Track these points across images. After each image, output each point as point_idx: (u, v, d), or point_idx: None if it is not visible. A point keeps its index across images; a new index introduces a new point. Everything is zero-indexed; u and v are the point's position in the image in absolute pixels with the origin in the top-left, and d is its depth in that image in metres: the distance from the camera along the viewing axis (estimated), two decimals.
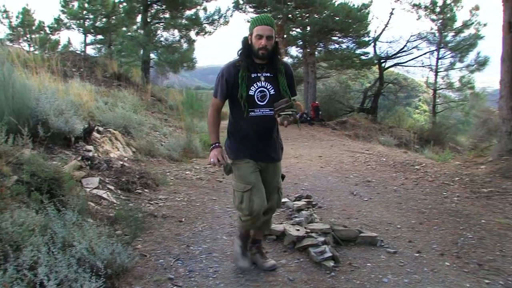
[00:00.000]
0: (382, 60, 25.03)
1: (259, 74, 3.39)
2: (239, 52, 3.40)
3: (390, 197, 6.61)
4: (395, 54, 24.96)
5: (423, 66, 24.84)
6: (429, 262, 4.07)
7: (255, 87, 3.38)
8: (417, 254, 4.24)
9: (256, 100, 3.38)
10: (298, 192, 6.26)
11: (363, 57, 23.78)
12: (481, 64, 23.30)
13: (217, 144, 3.52)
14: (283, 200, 5.67)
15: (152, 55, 21.27)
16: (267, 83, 3.39)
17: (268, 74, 3.42)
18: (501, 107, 9.36)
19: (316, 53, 23.68)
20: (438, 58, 24.49)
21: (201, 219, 5.01)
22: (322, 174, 8.19)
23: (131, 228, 4.24)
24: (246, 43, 3.36)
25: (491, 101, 18.71)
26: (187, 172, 7.38)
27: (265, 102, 3.40)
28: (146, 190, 5.92)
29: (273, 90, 3.41)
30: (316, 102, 21.08)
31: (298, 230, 4.35)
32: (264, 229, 3.90)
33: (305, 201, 5.61)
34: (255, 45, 3.28)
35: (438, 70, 24.66)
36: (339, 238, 4.40)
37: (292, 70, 3.67)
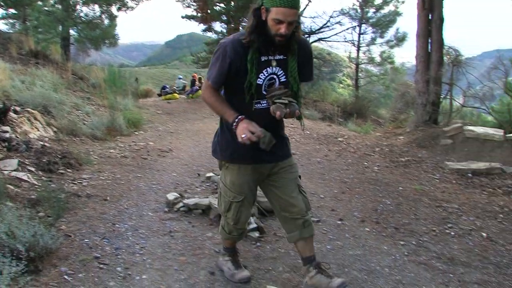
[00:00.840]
0: (306, 35, 25.36)
1: (270, 57, 2.65)
2: (250, 28, 2.55)
3: (313, 168, 6.84)
4: (318, 29, 25.31)
5: (345, 41, 25.47)
6: (350, 229, 4.30)
7: (264, 74, 2.65)
8: (339, 222, 4.47)
9: (263, 89, 2.67)
10: None
11: None
12: (400, 39, 24.31)
13: (239, 117, 2.60)
14: (208, 174, 5.72)
15: (71, 32, 20.17)
16: (278, 68, 2.68)
17: (281, 57, 2.68)
18: (417, 81, 9.93)
19: (240, 28, 23.57)
20: (360, 34, 25.26)
21: (126, 197, 4.92)
22: None
23: (54, 209, 4.08)
24: (259, 17, 2.52)
25: (409, 75, 19.65)
26: (111, 151, 7.18)
27: None
28: (69, 170, 5.70)
29: (284, 76, 2.71)
30: None
31: None
32: (304, 234, 2.94)
33: None
34: (271, 27, 2.48)
35: (360, 45, 25.48)
36: (264, 209, 4.51)
37: (311, 47, 2.92)
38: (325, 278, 2.86)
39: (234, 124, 2.59)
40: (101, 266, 3.33)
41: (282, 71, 2.69)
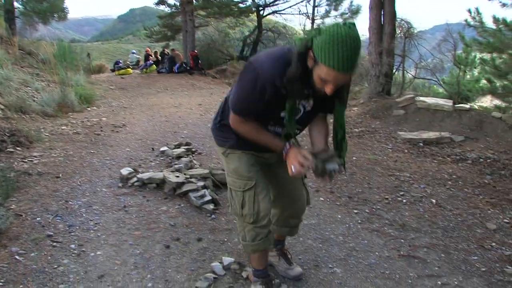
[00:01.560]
0: (260, 8, 25.00)
1: (305, 105, 2.28)
2: (293, 77, 2.01)
3: None
4: (272, 2, 24.99)
5: (300, 14, 25.20)
6: None
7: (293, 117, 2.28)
8: None
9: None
10: (178, 140, 6.20)
11: (241, 5, 23.56)
12: (354, 12, 24.18)
13: (289, 144, 2.26)
14: (162, 148, 5.62)
15: (16, 4, 19.00)
16: (307, 103, 2.29)
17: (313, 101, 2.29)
18: (370, 53, 10.00)
19: (194, 1, 22.98)
20: (314, 6, 25.06)
21: (79, 174, 4.76)
22: (202, 122, 8.17)
23: (2, 188, 3.90)
24: (304, 63, 2.00)
25: (363, 47, 19.80)
26: (63, 127, 6.90)
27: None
28: (18, 148, 5.45)
29: (310, 106, 2.30)
30: (195, 51, 20.64)
31: (177, 176, 4.33)
32: (292, 234, 2.90)
33: (184, 148, 5.58)
34: (315, 81, 1.99)
35: (315, 18, 25.31)
36: (219, 181, 4.46)
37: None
38: (285, 263, 2.90)
39: (284, 153, 2.26)
40: (54, 244, 3.22)
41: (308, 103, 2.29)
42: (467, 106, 7.85)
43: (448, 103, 7.95)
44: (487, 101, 10.16)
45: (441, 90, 11.34)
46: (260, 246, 2.51)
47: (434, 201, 4.32)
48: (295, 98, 2.13)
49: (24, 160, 5.05)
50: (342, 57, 1.82)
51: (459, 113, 7.55)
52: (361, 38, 1.90)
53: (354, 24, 1.86)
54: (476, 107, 8.59)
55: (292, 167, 2.15)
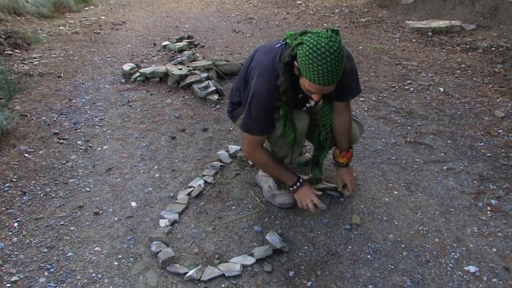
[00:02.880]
0: None
1: (308, 104, 2.31)
2: (283, 88, 1.97)
3: (272, 31, 6.57)
4: None
5: None
6: None
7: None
8: None
9: None
10: (180, 34, 5.96)
11: None
12: None
13: (301, 180, 2.32)
14: (164, 43, 5.44)
15: None
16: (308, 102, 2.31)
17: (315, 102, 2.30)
18: None
19: None
20: None
21: (81, 72, 4.63)
22: (203, 15, 7.82)
23: (4, 90, 3.82)
24: (291, 72, 1.95)
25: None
26: (61, 28, 6.63)
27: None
28: (16, 50, 5.28)
29: (313, 102, 2.32)
30: None
31: (180, 69, 4.20)
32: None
33: (186, 42, 5.38)
34: (303, 89, 1.97)
35: None
36: (222, 72, 4.34)
37: (352, 61, 2.15)
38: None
39: (294, 187, 2.33)
40: (61, 141, 3.21)
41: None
42: None
43: None
44: None
45: None
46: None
47: (441, 89, 4.20)
48: (290, 105, 2.10)
49: (24, 62, 4.90)
50: (323, 73, 1.77)
51: (472, 0, 7.13)
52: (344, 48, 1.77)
53: (337, 32, 1.76)
54: None
55: (304, 203, 2.30)
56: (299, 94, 2.14)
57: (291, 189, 2.34)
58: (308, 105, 2.31)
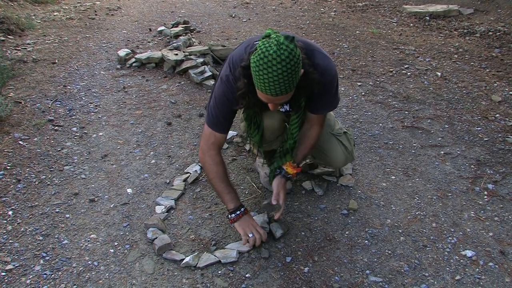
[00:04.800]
0: None
1: (282, 107, 2.11)
2: (241, 93, 1.84)
3: (269, 16, 6.49)
4: None
5: None
6: None
7: None
8: None
9: None
10: (175, 20, 5.88)
11: None
12: None
13: (242, 210, 2.06)
14: (160, 28, 5.38)
15: None
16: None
17: (286, 108, 2.12)
18: None
19: None
20: None
21: (76, 58, 4.56)
22: (199, 0, 7.70)
23: None
24: (250, 77, 1.74)
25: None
26: (55, 14, 6.52)
27: None
28: (10, 36, 5.19)
29: (288, 107, 2.12)
30: None
31: (176, 54, 4.15)
32: None
33: (182, 27, 5.31)
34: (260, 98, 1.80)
35: None
36: (218, 57, 4.30)
37: (329, 74, 1.91)
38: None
39: (233, 215, 2.04)
40: (56, 128, 3.17)
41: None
42: None
43: None
44: None
45: None
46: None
47: (439, 74, 4.16)
48: (256, 108, 1.96)
49: (18, 48, 4.82)
50: (269, 82, 1.61)
51: None
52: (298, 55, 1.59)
53: (291, 39, 1.58)
54: None
55: (250, 234, 2.00)
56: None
57: (229, 216, 2.04)
58: (282, 109, 2.11)
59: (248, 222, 2.03)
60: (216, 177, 2.05)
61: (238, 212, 2.03)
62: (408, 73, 4.18)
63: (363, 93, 3.76)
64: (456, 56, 4.69)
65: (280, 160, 2.14)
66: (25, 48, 4.82)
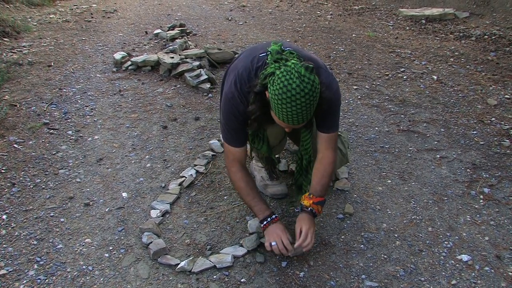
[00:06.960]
0: None
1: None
2: (253, 117, 1.86)
3: (265, 19, 6.50)
4: None
5: None
6: None
7: None
8: None
9: None
10: (172, 23, 5.88)
11: None
12: None
13: (274, 217, 2.06)
14: (156, 31, 5.37)
15: None
16: None
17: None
18: None
19: None
20: None
21: (71, 61, 4.55)
22: (196, 3, 7.72)
23: None
24: (263, 100, 1.78)
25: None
26: (51, 16, 6.51)
27: None
28: (5, 39, 5.18)
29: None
30: None
31: (172, 57, 4.15)
32: None
33: (178, 30, 5.32)
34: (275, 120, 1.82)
35: None
36: (215, 60, 4.29)
37: (333, 98, 1.92)
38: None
39: (265, 223, 2.04)
40: (51, 131, 3.16)
41: None
42: None
43: None
44: None
45: None
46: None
47: (435, 77, 4.17)
48: (259, 128, 2.00)
49: (13, 51, 4.81)
50: (292, 114, 1.66)
51: None
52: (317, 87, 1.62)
53: (311, 70, 1.62)
54: None
55: (273, 242, 1.98)
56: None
57: (261, 224, 2.06)
58: None
59: (273, 231, 2.01)
60: (241, 193, 2.11)
61: (265, 222, 2.04)
62: (404, 77, 4.19)
63: (359, 97, 3.76)
64: (452, 59, 4.70)
65: (297, 196, 2.19)
66: (20, 51, 4.81)
